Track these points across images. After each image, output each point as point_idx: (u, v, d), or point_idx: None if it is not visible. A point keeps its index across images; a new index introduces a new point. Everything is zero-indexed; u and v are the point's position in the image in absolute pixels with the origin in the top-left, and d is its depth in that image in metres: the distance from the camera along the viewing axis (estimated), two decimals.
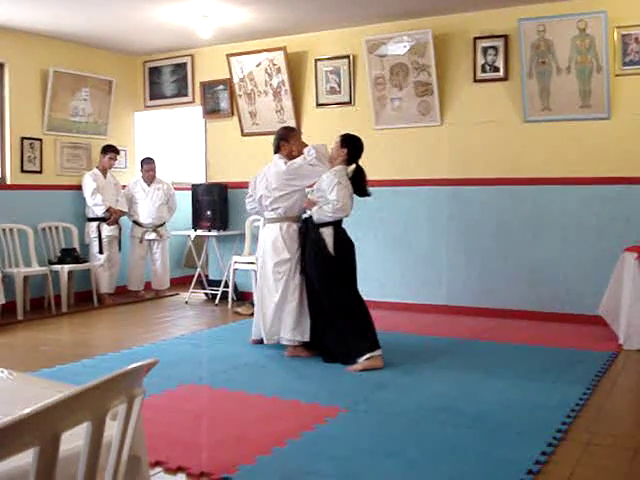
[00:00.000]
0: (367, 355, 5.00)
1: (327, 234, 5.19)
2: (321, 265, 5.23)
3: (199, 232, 8.28)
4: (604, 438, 3.60)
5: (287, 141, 5.65)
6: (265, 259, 5.53)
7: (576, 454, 3.37)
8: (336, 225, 5.24)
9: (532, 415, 3.95)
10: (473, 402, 4.21)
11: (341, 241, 5.24)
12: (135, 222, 8.60)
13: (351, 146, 5.30)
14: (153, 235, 8.61)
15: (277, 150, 5.65)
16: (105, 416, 1.43)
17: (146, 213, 8.54)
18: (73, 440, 1.49)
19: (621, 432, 3.71)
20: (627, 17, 6.32)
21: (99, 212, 8.10)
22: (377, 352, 5.03)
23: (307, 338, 5.35)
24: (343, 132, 7.75)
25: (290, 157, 5.58)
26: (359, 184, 5.29)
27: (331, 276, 5.20)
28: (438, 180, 7.28)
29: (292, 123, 7.94)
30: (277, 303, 5.40)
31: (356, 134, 5.47)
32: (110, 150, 8.27)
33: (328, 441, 3.56)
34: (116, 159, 8.35)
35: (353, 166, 5.32)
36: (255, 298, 5.84)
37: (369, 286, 7.61)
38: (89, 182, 8.12)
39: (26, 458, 1.29)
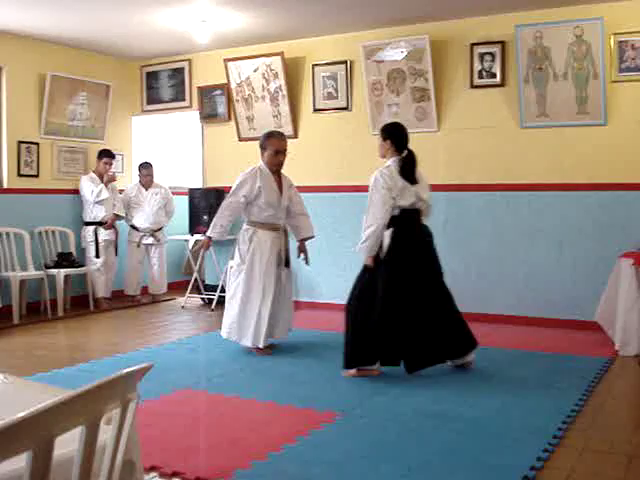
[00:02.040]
0: (368, 367, 4.93)
1: (386, 235, 4.89)
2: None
3: (198, 237, 8.27)
4: (600, 444, 3.60)
5: (264, 148, 5.71)
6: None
7: (572, 460, 3.37)
8: (398, 226, 4.90)
9: (528, 421, 3.95)
10: (469, 408, 4.20)
11: (397, 245, 4.88)
12: (132, 226, 8.60)
13: (392, 135, 5.06)
14: (151, 240, 8.60)
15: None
16: (99, 420, 1.43)
17: (144, 218, 8.54)
18: (67, 444, 1.49)
19: (617, 438, 3.71)
20: (623, 24, 6.34)
21: (101, 213, 8.08)
22: (375, 366, 4.93)
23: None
24: (340, 138, 7.83)
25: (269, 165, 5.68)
26: (408, 171, 4.95)
27: (375, 280, 4.90)
28: (434, 186, 7.21)
29: (289, 128, 7.95)
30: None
31: (394, 121, 5.39)
32: (105, 155, 8.25)
33: (324, 446, 3.56)
34: (111, 164, 8.31)
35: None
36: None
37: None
38: (87, 183, 8.13)
39: (20, 462, 1.29)
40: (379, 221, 4.82)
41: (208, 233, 5.76)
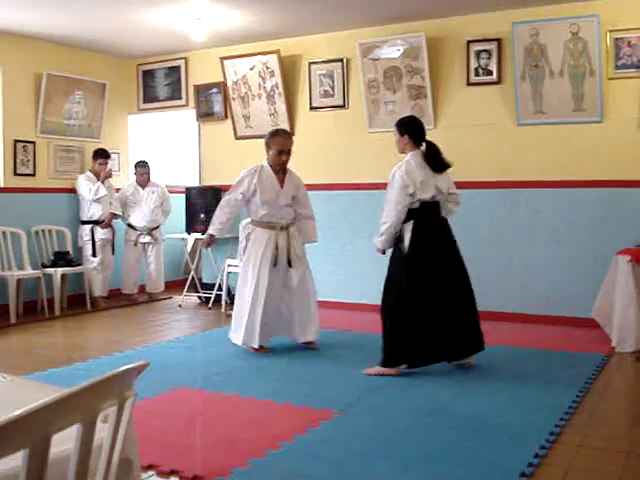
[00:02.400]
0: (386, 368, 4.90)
1: (407, 229, 4.88)
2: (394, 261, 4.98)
3: (199, 235, 8.27)
4: (597, 440, 3.61)
5: (269, 147, 5.68)
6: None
7: (569, 456, 3.37)
8: (418, 219, 4.88)
9: (525, 418, 3.95)
10: (466, 405, 4.21)
11: (419, 238, 4.86)
12: (129, 225, 8.59)
13: (408, 129, 5.03)
14: (147, 238, 8.59)
15: None
16: (96, 418, 1.43)
17: (140, 216, 8.53)
18: (64, 443, 1.49)
19: (614, 434, 3.72)
20: (620, 21, 6.34)
21: (98, 212, 8.08)
22: (395, 369, 4.88)
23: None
24: (337, 136, 7.83)
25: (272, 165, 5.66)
26: (433, 160, 4.94)
27: (399, 274, 4.90)
28: None
29: (286, 126, 7.94)
30: None
31: (409, 115, 5.40)
32: (100, 156, 8.23)
33: (321, 444, 3.56)
34: (106, 164, 8.26)
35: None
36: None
37: (363, 289, 7.63)
38: (84, 182, 8.12)
39: (16, 461, 1.29)
40: (394, 219, 4.85)
41: (209, 230, 5.77)
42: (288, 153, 5.68)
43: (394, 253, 4.99)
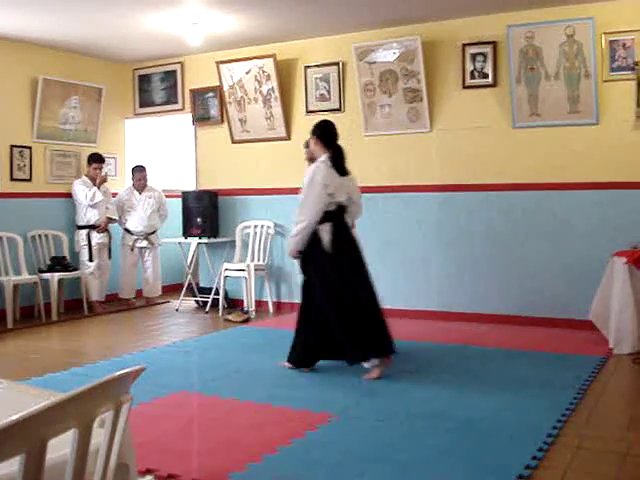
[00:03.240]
0: (367, 364, 4.93)
1: (325, 231, 4.95)
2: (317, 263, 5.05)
3: (203, 240, 8.27)
4: (594, 442, 3.61)
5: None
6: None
7: (567, 458, 3.37)
8: (335, 221, 4.98)
9: (523, 420, 3.95)
10: (464, 407, 4.21)
11: (338, 239, 4.96)
12: (126, 230, 8.58)
13: (318, 131, 5.16)
14: (144, 243, 8.59)
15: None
16: (92, 423, 1.43)
17: (137, 221, 8.53)
18: (60, 448, 1.49)
19: (611, 436, 3.72)
20: (615, 23, 6.36)
21: (93, 217, 8.08)
22: (371, 362, 4.92)
23: None
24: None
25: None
26: (338, 164, 5.03)
27: (324, 275, 5.00)
28: (428, 186, 7.30)
29: (282, 130, 7.96)
30: None
31: (323, 119, 5.45)
32: (94, 160, 8.23)
33: (319, 447, 3.56)
34: (101, 168, 8.25)
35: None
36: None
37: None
38: (80, 187, 8.11)
39: (13, 466, 1.29)
40: (311, 219, 4.90)
41: None
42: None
43: (314, 255, 5.00)
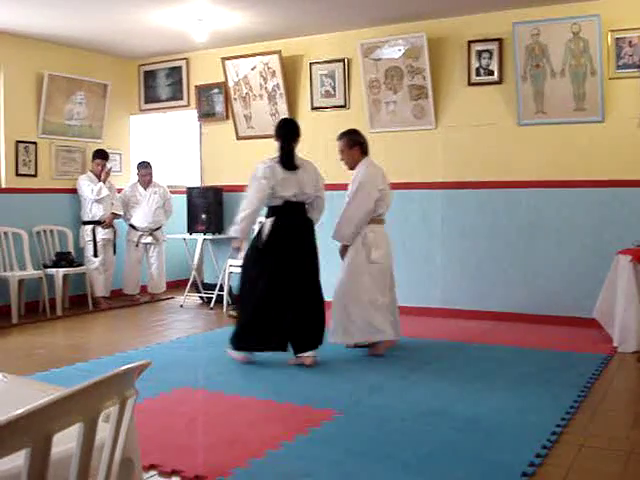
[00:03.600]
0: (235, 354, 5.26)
1: (267, 224, 5.21)
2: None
3: (208, 236, 8.26)
4: (598, 440, 3.61)
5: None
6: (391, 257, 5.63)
7: (570, 456, 3.37)
8: (279, 216, 5.20)
9: (526, 417, 3.95)
10: (467, 405, 4.21)
11: (277, 232, 5.17)
12: (131, 226, 8.59)
13: (276, 130, 5.46)
14: (149, 239, 8.60)
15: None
16: (97, 417, 1.43)
17: (142, 217, 8.54)
18: (65, 442, 1.49)
19: (615, 434, 3.71)
20: (621, 21, 6.34)
21: (99, 212, 8.09)
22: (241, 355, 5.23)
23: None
24: (338, 136, 7.82)
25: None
26: (285, 160, 5.27)
27: (253, 265, 5.27)
28: (433, 183, 7.29)
29: None
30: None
31: (284, 118, 5.78)
32: (97, 156, 8.24)
33: (322, 444, 3.56)
34: (104, 165, 8.26)
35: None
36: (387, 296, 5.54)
37: None
38: (86, 182, 8.13)
39: (18, 460, 1.29)
40: (253, 207, 5.16)
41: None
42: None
43: (251, 247, 5.32)
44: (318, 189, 5.38)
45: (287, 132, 5.41)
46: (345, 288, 5.46)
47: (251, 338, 5.20)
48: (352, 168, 5.60)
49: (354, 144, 5.59)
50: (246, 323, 5.24)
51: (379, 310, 5.41)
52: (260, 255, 5.21)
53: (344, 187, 7.68)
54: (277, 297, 5.14)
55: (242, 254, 5.42)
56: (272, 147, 5.81)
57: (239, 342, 5.25)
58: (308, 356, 5.16)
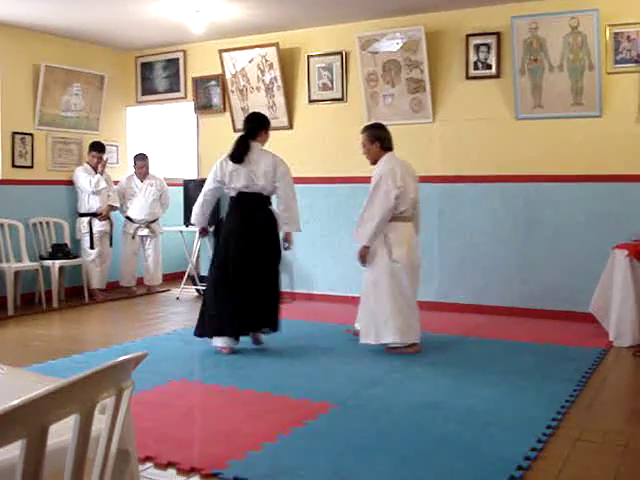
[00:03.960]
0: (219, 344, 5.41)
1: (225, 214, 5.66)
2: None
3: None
4: (594, 434, 3.61)
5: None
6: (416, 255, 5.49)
7: (566, 450, 3.38)
8: (231, 206, 5.55)
9: (522, 411, 3.96)
10: (463, 398, 4.21)
11: (229, 221, 5.53)
12: (128, 218, 8.58)
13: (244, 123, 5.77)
14: (146, 231, 8.58)
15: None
16: (94, 408, 1.42)
17: (139, 209, 8.52)
18: (61, 434, 1.49)
19: (611, 428, 3.72)
20: (619, 15, 6.33)
21: (96, 204, 8.07)
22: (222, 341, 5.39)
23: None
24: (335, 129, 7.83)
25: None
26: (232, 154, 5.56)
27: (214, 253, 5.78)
28: (430, 177, 7.27)
29: (284, 119, 7.95)
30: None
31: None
32: (93, 149, 8.22)
33: (318, 437, 3.56)
34: (100, 158, 8.22)
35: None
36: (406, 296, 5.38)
37: (361, 283, 7.63)
38: (82, 174, 8.11)
39: (14, 451, 1.29)
40: (200, 198, 5.65)
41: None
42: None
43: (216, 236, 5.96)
44: (275, 180, 5.47)
45: (244, 127, 5.70)
46: (370, 289, 5.38)
47: (206, 324, 5.44)
48: (373, 163, 5.49)
49: (375, 139, 5.46)
50: (202, 310, 5.54)
51: (407, 310, 5.31)
52: (217, 244, 5.70)
53: (342, 180, 7.71)
54: (225, 284, 5.37)
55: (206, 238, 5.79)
56: (269, 140, 5.83)
57: (197, 328, 5.52)
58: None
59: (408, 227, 5.42)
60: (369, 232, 5.29)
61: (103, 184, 8.09)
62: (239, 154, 5.49)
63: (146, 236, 8.62)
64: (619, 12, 6.33)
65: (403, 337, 5.27)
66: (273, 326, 5.50)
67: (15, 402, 1.20)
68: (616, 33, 6.34)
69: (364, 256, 5.35)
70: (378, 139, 5.47)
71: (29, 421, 1.25)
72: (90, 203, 8.15)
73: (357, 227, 5.41)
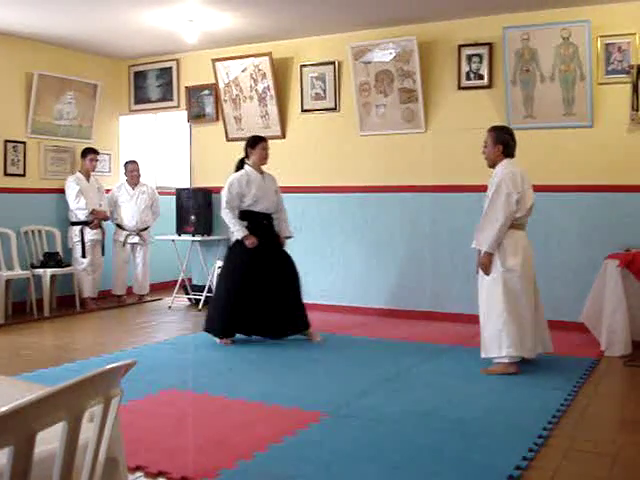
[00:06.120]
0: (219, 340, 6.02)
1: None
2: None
3: (197, 237, 8.24)
4: (585, 444, 3.61)
5: None
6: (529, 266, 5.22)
7: (557, 460, 3.38)
8: (245, 219, 6.16)
9: (513, 420, 3.96)
10: (455, 407, 4.21)
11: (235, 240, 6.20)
12: (118, 225, 8.55)
13: None
14: (136, 239, 8.56)
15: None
16: (82, 416, 1.42)
17: (130, 216, 8.50)
18: (49, 442, 1.48)
19: (602, 438, 3.73)
20: (610, 26, 6.37)
21: (82, 216, 8.06)
22: (223, 340, 6.00)
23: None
24: (328, 138, 7.85)
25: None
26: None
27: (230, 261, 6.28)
28: (422, 187, 7.30)
29: (277, 129, 7.96)
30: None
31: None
32: (90, 152, 8.21)
33: (310, 446, 3.56)
34: (97, 160, 8.27)
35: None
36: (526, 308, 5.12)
37: (353, 292, 7.64)
38: (72, 185, 8.09)
39: (1, 458, 1.28)
40: (223, 216, 6.24)
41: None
42: None
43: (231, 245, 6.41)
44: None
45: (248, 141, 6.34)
46: (484, 299, 5.17)
47: (219, 323, 6.03)
48: (491, 166, 5.27)
49: (499, 142, 5.17)
50: (218, 309, 6.07)
51: (521, 323, 5.01)
52: (233, 252, 6.28)
53: (334, 189, 7.71)
54: (239, 290, 6.01)
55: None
56: (260, 153, 5.91)
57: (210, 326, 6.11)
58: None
59: (523, 236, 5.17)
60: (491, 238, 5.01)
61: (82, 203, 8.03)
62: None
63: (136, 244, 8.59)
64: (610, 23, 6.37)
65: (516, 350, 4.95)
66: (307, 324, 6.17)
67: (2, 409, 1.20)
68: (607, 44, 6.38)
69: (486, 264, 5.06)
70: (502, 143, 5.17)
71: (17, 428, 1.24)
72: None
73: (477, 233, 5.16)
